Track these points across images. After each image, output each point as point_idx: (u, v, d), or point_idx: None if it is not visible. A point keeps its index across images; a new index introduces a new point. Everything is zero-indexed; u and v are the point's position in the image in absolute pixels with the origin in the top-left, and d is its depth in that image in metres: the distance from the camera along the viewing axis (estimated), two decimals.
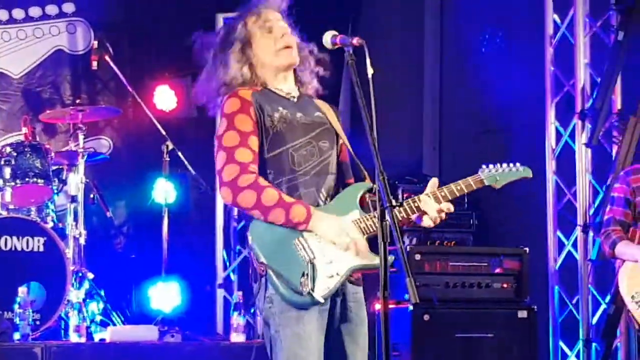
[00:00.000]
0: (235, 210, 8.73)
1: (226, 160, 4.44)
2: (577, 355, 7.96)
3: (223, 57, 4.73)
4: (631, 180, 6.13)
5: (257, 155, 4.47)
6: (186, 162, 8.22)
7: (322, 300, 4.41)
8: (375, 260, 4.50)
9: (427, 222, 4.50)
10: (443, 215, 4.51)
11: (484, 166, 4.73)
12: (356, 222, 4.53)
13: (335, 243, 4.42)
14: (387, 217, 4.07)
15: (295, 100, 4.66)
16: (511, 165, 4.70)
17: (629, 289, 6.06)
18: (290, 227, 4.41)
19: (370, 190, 4.63)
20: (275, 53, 4.68)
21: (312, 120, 4.63)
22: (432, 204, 4.48)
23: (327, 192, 4.65)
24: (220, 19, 9.01)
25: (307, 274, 4.40)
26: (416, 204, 4.50)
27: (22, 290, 6.60)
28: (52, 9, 9.28)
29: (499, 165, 4.72)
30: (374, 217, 4.43)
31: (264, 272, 4.44)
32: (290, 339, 4.45)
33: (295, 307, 4.43)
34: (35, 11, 9.24)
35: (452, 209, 4.53)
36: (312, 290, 4.39)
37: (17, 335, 6.46)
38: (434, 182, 4.56)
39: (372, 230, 4.51)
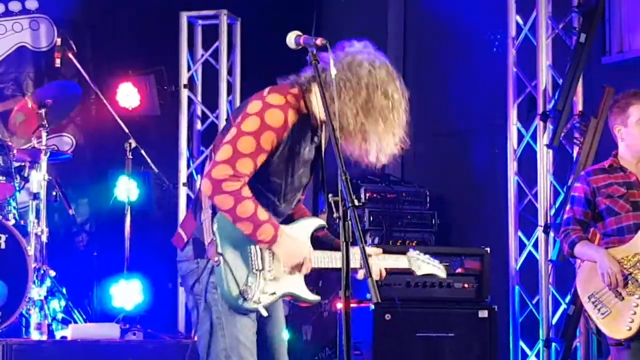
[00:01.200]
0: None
1: (227, 159, 4.43)
2: (537, 355, 8.02)
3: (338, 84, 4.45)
4: (592, 180, 6.14)
5: (254, 171, 4.45)
6: (149, 160, 8.26)
7: (265, 313, 4.54)
8: (312, 297, 4.75)
9: (360, 275, 4.63)
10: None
11: (411, 250, 4.91)
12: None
13: (285, 264, 4.53)
14: (350, 217, 4.10)
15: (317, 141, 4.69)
16: (432, 259, 4.88)
17: (585, 289, 6.08)
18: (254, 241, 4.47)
19: (322, 228, 4.79)
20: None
21: (310, 158, 4.67)
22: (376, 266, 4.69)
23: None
24: (184, 17, 9.04)
25: (251, 284, 4.52)
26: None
27: None
28: (15, 5, 9.26)
29: (423, 254, 4.90)
30: (321, 254, 4.67)
31: (218, 263, 4.46)
32: (233, 326, 4.53)
33: (233, 307, 4.52)
34: None
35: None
36: (254, 300, 4.51)
37: None
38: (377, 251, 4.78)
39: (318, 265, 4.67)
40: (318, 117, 4.57)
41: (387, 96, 4.56)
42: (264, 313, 4.55)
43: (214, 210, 4.52)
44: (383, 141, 4.61)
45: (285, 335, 4.94)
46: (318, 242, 4.73)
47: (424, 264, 4.87)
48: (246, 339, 4.56)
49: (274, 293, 4.58)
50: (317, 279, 9.03)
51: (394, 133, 4.64)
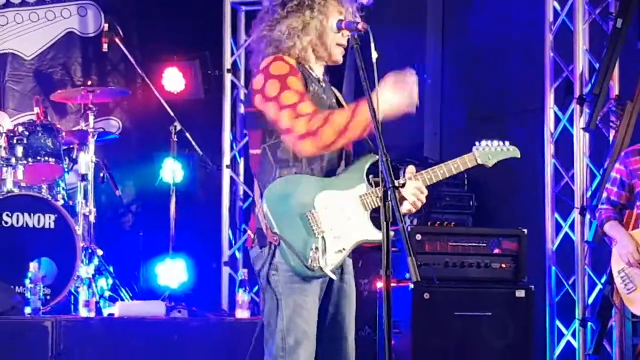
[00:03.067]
0: (241, 190, 8.85)
1: (291, 118, 4.44)
2: (573, 335, 8.01)
3: (284, 17, 4.64)
4: (629, 162, 6.15)
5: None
6: (193, 143, 8.28)
7: (333, 276, 4.52)
8: (378, 236, 4.48)
9: (406, 207, 4.59)
10: (423, 197, 4.60)
11: (477, 143, 4.78)
12: (362, 196, 4.61)
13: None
14: (390, 198, 4.12)
15: (323, 85, 4.70)
16: (501, 143, 4.81)
17: (617, 264, 6.11)
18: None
19: (376, 162, 4.62)
20: (334, 45, 4.67)
21: (332, 104, 4.68)
22: (409, 188, 4.58)
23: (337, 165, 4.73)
24: (227, 3, 9.07)
25: (318, 248, 4.48)
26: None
27: (33, 265, 6.64)
28: None
29: (490, 142, 4.78)
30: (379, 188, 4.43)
31: (278, 242, 4.49)
32: (292, 308, 4.53)
33: (300, 278, 4.51)
34: None
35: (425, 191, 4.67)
36: (322, 265, 4.47)
37: (28, 310, 6.50)
38: (411, 169, 4.64)
39: (376, 205, 4.54)
40: (308, 65, 4.66)
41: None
42: (333, 277, 4.56)
43: (262, 194, 4.55)
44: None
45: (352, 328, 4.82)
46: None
47: (495, 153, 4.86)
48: (303, 317, 4.58)
49: (342, 249, 4.60)
50: (357, 259, 9.07)
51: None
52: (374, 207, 4.63)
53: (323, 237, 4.51)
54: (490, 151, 4.83)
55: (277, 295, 4.56)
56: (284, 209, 4.53)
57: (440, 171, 4.73)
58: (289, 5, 4.63)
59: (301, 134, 4.41)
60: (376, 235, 4.62)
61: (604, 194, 6.30)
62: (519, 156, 4.95)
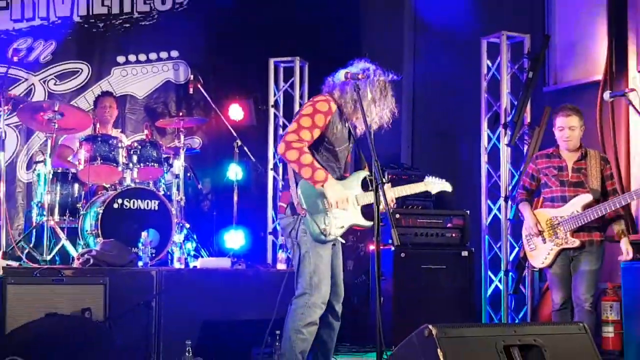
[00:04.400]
0: (280, 185, 8.88)
1: (294, 130, 4.67)
2: (500, 281, 8.07)
3: (351, 90, 4.77)
4: (538, 162, 6.12)
5: (312, 140, 4.69)
6: (249, 153, 8.34)
7: (342, 240, 4.87)
8: (365, 223, 4.93)
9: (382, 206, 4.67)
10: (392, 203, 4.94)
11: (426, 177, 5.21)
12: (357, 196, 4.85)
13: (334, 203, 4.67)
14: (380, 190, 4.36)
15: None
16: (441, 180, 5.21)
17: (525, 230, 6.13)
18: (312, 183, 4.66)
19: (368, 175, 4.90)
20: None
21: (345, 137, 4.90)
22: (387, 195, 4.70)
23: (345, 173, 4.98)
24: (271, 61, 9.08)
25: (329, 223, 4.72)
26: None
27: (144, 234, 6.63)
28: (163, 55, 9.34)
29: (434, 178, 5.19)
30: (370, 193, 4.72)
31: (305, 214, 4.69)
32: (316, 258, 4.73)
33: (318, 241, 4.71)
34: (153, 56, 9.30)
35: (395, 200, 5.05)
36: (330, 234, 4.72)
37: (140, 263, 6.48)
38: (388, 185, 4.90)
39: (366, 203, 4.85)
40: (345, 111, 4.79)
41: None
42: (342, 240, 4.87)
43: (297, 182, 4.73)
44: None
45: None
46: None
47: (436, 185, 5.12)
48: (324, 264, 4.77)
49: (343, 226, 4.79)
50: (356, 230, 9.16)
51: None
52: (364, 204, 4.88)
53: (332, 217, 4.73)
54: (434, 182, 5.17)
55: (305, 249, 4.73)
56: (311, 194, 4.72)
57: (404, 190, 5.10)
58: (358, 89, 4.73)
59: (285, 140, 4.66)
60: (364, 222, 4.93)
61: (521, 183, 6.26)
62: (450, 190, 5.25)
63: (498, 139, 8.24)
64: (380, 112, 4.85)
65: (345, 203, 4.72)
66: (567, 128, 5.92)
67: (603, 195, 5.92)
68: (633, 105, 5.93)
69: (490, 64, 8.33)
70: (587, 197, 5.84)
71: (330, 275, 4.86)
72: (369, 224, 4.95)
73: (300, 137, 4.65)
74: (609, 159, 6.25)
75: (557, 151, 6.06)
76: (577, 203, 5.86)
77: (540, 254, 6.01)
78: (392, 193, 4.99)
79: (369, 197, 4.85)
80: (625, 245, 5.94)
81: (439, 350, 3.25)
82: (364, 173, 4.96)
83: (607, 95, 6.00)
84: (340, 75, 4.84)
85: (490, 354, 3.37)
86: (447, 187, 5.32)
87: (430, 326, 3.33)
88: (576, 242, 5.84)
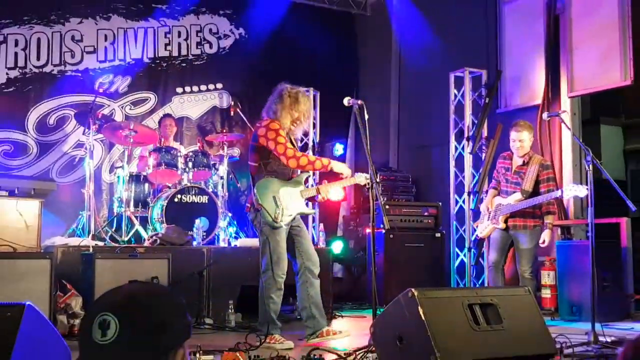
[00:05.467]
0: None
1: (284, 148, 4.73)
2: (465, 255, 8.01)
3: (286, 105, 4.96)
4: (499, 162, 6.23)
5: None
6: None
7: (285, 226, 4.78)
8: (309, 211, 5.09)
9: (320, 198, 5.00)
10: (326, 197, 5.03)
11: (357, 173, 5.08)
12: (301, 191, 4.94)
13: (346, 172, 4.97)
14: (374, 188, 4.37)
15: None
16: (365, 175, 4.94)
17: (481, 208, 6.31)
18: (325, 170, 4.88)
19: (306, 177, 5.11)
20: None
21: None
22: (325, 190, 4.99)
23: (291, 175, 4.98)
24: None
25: (279, 213, 4.72)
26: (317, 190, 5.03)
27: (197, 221, 6.65)
28: (211, 86, 9.34)
29: (359, 173, 5.04)
30: (312, 188, 5.05)
31: (260, 208, 4.71)
32: (273, 241, 4.74)
33: (273, 228, 4.71)
34: (203, 87, 9.29)
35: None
36: (281, 221, 4.73)
37: (194, 243, 6.49)
38: (325, 182, 5.09)
39: (308, 196, 4.99)
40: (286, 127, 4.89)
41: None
42: (285, 227, 4.81)
43: (254, 184, 4.80)
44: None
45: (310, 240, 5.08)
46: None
47: (361, 178, 5.00)
48: (280, 246, 4.78)
49: (291, 214, 4.82)
50: (355, 217, 9.18)
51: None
52: (307, 197, 4.96)
53: (282, 208, 4.74)
54: (360, 176, 5.04)
55: (265, 236, 4.75)
56: (265, 193, 4.75)
57: (341, 184, 5.14)
58: (288, 101, 5.00)
59: (290, 156, 4.73)
60: (307, 210, 5.01)
61: (493, 180, 6.37)
62: (364, 183, 5.06)
63: (463, 148, 8.23)
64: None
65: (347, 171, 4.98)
66: (518, 140, 5.95)
67: (536, 194, 5.90)
68: (565, 123, 5.98)
69: (456, 92, 8.33)
70: (517, 195, 5.90)
71: (302, 250, 4.95)
72: (311, 211, 5.26)
73: (293, 149, 4.81)
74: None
75: (510, 155, 6.11)
76: (511, 198, 5.93)
77: (482, 227, 6.16)
78: (330, 187, 5.08)
79: (311, 192, 4.99)
80: (545, 236, 5.93)
81: (419, 307, 3.26)
82: (306, 174, 5.07)
83: (545, 115, 6.01)
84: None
85: (458, 310, 3.37)
86: (365, 180, 5.07)
87: (413, 289, 3.33)
88: (501, 225, 5.92)
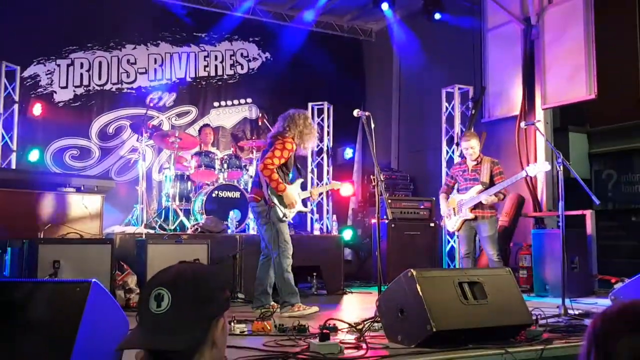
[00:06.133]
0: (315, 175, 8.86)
1: (273, 159, 4.70)
2: (455, 242, 7.91)
3: (298, 128, 4.90)
4: (454, 168, 6.15)
5: (279, 165, 4.74)
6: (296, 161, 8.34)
7: (291, 220, 4.83)
8: (305, 209, 5.14)
9: (311, 199, 5.03)
10: (317, 197, 5.12)
11: (333, 181, 5.19)
12: (299, 193, 4.90)
13: (288, 199, 4.76)
14: (379, 185, 4.34)
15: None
16: (334, 182, 5.11)
17: (443, 209, 6.07)
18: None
19: (303, 183, 5.10)
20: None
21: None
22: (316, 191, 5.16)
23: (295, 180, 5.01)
24: (309, 104, 9.02)
25: (286, 211, 4.75)
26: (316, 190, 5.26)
27: (231, 213, 6.64)
28: (242, 101, 9.32)
29: (334, 181, 5.21)
30: (306, 192, 5.08)
31: (273, 205, 4.70)
32: (283, 229, 4.73)
33: (281, 221, 4.72)
34: (236, 102, 9.28)
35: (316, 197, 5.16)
36: (288, 217, 4.76)
37: (229, 231, 6.47)
38: (315, 186, 5.15)
39: (306, 197, 5.06)
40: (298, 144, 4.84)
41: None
42: (290, 220, 4.90)
43: (267, 185, 4.75)
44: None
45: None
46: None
47: (336, 184, 5.17)
48: (287, 234, 4.80)
49: (293, 212, 4.82)
50: (363, 209, 9.17)
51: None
52: (303, 197, 4.97)
53: (287, 207, 4.78)
54: (335, 183, 5.30)
55: (277, 226, 4.72)
56: (276, 194, 4.73)
57: (322, 189, 5.69)
58: (302, 125, 4.91)
59: (265, 164, 4.68)
60: (304, 209, 5.05)
61: (444, 182, 6.28)
62: (338, 188, 5.23)
63: (453, 152, 8.21)
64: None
65: (295, 203, 4.84)
66: (470, 147, 5.89)
67: (492, 185, 5.77)
68: (539, 130, 5.97)
69: (447, 105, 8.30)
70: (478, 187, 5.78)
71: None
72: (307, 209, 5.21)
73: (272, 163, 4.74)
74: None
75: (465, 160, 6.00)
76: (472, 190, 5.81)
77: (452, 223, 5.92)
78: (316, 190, 5.28)
79: (306, 194, 5.07)
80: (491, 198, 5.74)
81: (417, 285, 3.26)
82: (301, 180, 5.09)
83: (523, 124, 5.99)
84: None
85: (449, 287, 3.37)
86: (341, 187, 5.34)
87: (412, 270, 3.33)
88: (470, 215, 5.75)
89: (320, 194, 8.70)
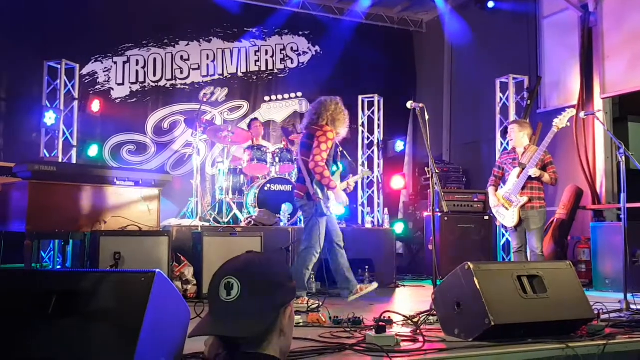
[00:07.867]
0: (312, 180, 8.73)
1: (321, 154, 4.74)
2: (509, 234, 7.82)
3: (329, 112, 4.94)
4: (502, 157, 6.00)
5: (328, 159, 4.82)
6: (346, 154, 8.06)
7: (331, 214, 4.89)
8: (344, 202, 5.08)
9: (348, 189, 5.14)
10: (351, 188, 5.26)
11: (361, 167, 5.20)
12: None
13: (338, 196, 4.91)
14: (433, 177, 4.31)
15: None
16: (365, 168, 5.11)
17: (492, 203, 5.85)
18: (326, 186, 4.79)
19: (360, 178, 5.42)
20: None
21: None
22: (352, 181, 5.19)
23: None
24: (360, 97, 9.01)
25: (329, 207, 4.85)
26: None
27: (283, 206, 6.65)
28: (292, 95, 9.38)
29: (362, 167, 5.20)
30: (344, 183, 5.15)
31: (318, 201, 4.77)
32: (321, 225, 4.81)
33: (322, 216, 4.80)
34: (286, 96, 9.35)
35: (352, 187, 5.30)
36: (330, 211, 4.86)
37: (282, 224, 6.51)
38: (351, 176, 5.32)
39: (343, 187, 5.11)
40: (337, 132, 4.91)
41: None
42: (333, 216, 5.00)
43: (312, 181, 4.79)
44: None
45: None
46: None
47: (366, 171, 5.36)
48: (324, 228, 4.85)
49: (337, 206, 4.95)
50: (414, 202, 9.11)
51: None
52: (342, 189, 5.09)
53: (329, 204, 4.87)
54: (364, 170, 5.16)
55: (316, 220, 4.80)
56: (322, 189, 4.79)
57: (356, 178, 5.46)
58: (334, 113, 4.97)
59: (316, 164, 4.70)
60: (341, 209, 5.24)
61: (492, 178, 6.02)
62: (370, 175, 5.21)
63: (507, 144, 7.86)
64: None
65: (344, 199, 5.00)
66: (509, 137, 5.84)
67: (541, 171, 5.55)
68: (600, 120, 5.86)
69: (501, 95, 8.17)
70: (517, 170, 5.60)
71: (333, 228, 4.99)
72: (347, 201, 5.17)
73: (323, 159, 4.80)
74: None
75: (514, 148, 5.82)
76: (513, 176, 5.63)
77: (508, 218, 5.66)
78: (352, 180, 5.28)
79: (343, 185, 5.09)
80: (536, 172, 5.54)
81: (474, 278, 3.21)
82: (339, 171, 5.26)
83: (582, 114, 5.80)
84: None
85: (508, 281, 3.31)
86: (369, 173, 5.55)
87: (469, 263, 3.29)
88: (525, 199, 5.52)
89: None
